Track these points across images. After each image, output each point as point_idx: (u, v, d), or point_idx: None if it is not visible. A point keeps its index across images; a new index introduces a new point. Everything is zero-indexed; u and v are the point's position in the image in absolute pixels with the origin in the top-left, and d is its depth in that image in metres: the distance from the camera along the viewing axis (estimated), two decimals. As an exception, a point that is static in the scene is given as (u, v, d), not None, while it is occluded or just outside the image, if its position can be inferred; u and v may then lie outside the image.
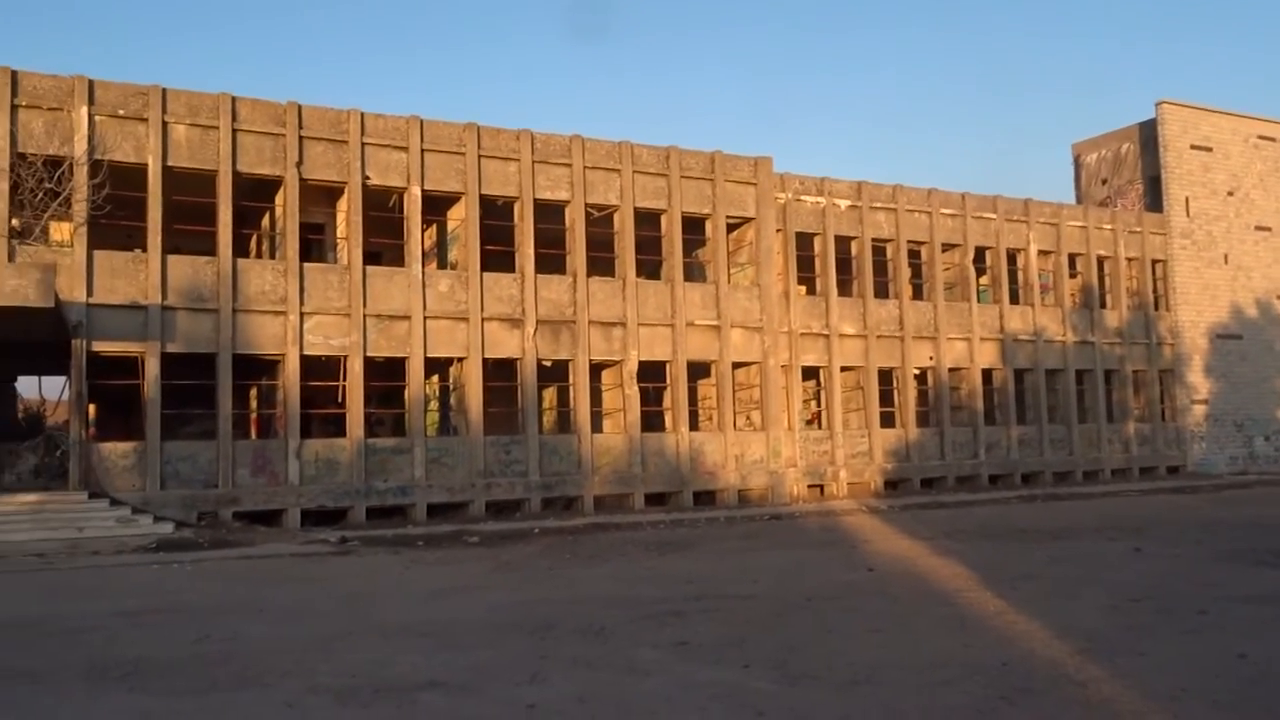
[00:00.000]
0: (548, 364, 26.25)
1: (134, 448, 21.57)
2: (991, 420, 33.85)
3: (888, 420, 31.79)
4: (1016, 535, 19.10)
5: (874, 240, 31.95)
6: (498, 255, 25.61)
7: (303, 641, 9.55)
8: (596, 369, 27.30)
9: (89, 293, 21.22)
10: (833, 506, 26.83)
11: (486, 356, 24.99)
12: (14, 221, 20.94)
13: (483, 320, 24.93)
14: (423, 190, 24.63)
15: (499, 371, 25.60)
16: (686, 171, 27.90)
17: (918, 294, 33.22)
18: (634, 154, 27.18)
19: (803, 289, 31.18)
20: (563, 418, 27.69)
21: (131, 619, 11.20)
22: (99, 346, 21.33)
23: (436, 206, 25.58)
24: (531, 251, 25.63)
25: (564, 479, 25.51)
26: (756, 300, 28.64)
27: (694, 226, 28.44)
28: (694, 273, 28.85)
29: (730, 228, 29.03)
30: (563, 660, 8.40)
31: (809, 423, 31.95)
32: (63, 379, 24.06)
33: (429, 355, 24.38)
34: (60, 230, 21.83)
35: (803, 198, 30.66)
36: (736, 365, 28.62)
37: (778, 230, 29.74)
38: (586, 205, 26.53)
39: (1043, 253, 35.67)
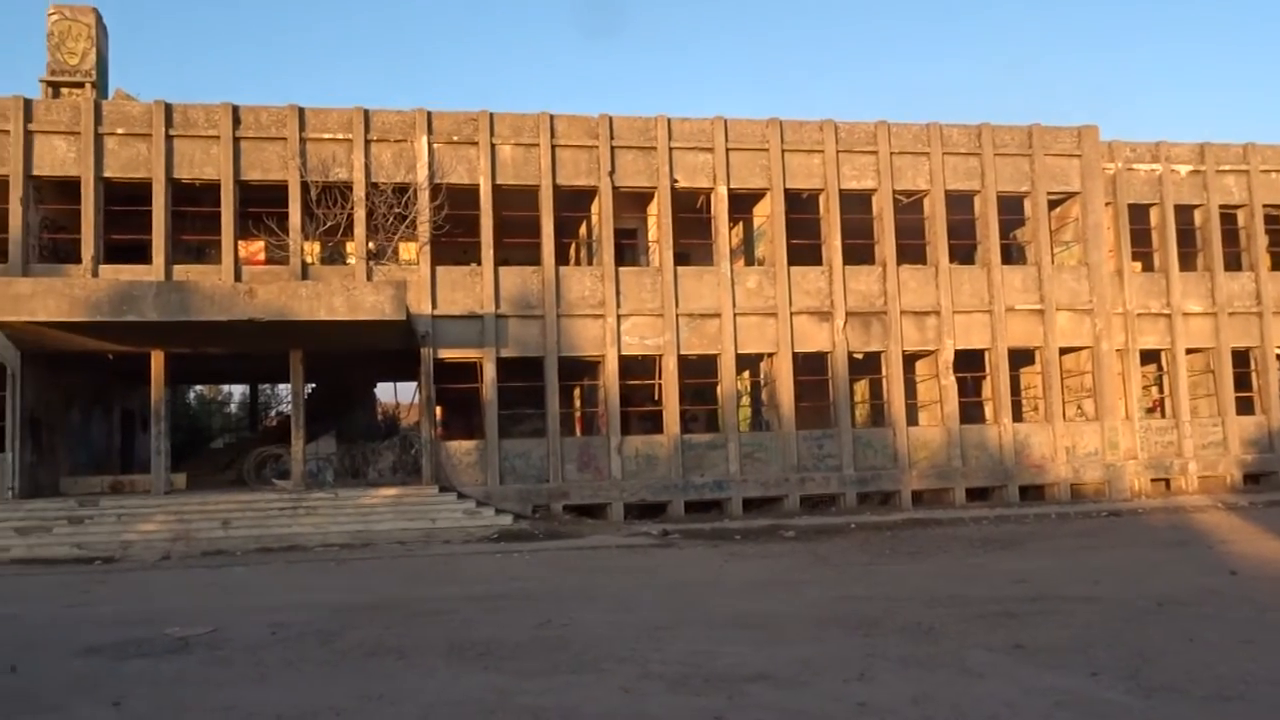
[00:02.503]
0: (859, 356, 25.82)
1: (475, 445, 23.47)
2: (1378, 404, 29.46)
3: (1245, 406, 28.50)
4: None
5: (1221, 207, 28.74)
6: (804, 249, 25.50)
7: (633, 629, 9.96)
8: (910, 360, 26.52)
9: (433, 305, 23.35)
10: (1181, 502, 24.46)
11: (796, 351, 24.97)
12: (370, 244, 23.43)
13: (791, 315, 24.94)
14: (728, 189, 25.00)
15: (809, 365, 25.47)
16: (1001, 149, 26.45)
17: (1277, 264, 29.55)
18: (943, 135, 26.14)
19: (1137, 265, 28.62)
20: (876, 411, 27.13)
21: (481, 603, 12.17)
22: (443, 354, 23.42)
23: (742, 204, 25.87)
24: (838, 243, 25.32)
25: (879, 473, 24.98)
26: (1084, 280, 26.64)
27: (1010, 206, 26.91)
28: (1012, 255, 27.31)
29: (1052, 204, 27.19)
30: (891, 659, 8.21)
31: (1150, 411, 29.28)
32: (413, 384, 26.51)
33: (739, 351, 24.72)
34: (407, 250, 24.14)
35: (1135, 166, 28.14)
36: (1064, 351, 26.77)
37: (1106, 204, 27.51)
38: (894, 192, 25.83)
39: None
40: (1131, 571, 13.70)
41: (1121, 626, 9.45)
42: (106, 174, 22.74)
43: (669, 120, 24.80)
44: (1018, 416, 26.79)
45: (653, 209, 25.20)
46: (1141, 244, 28.39)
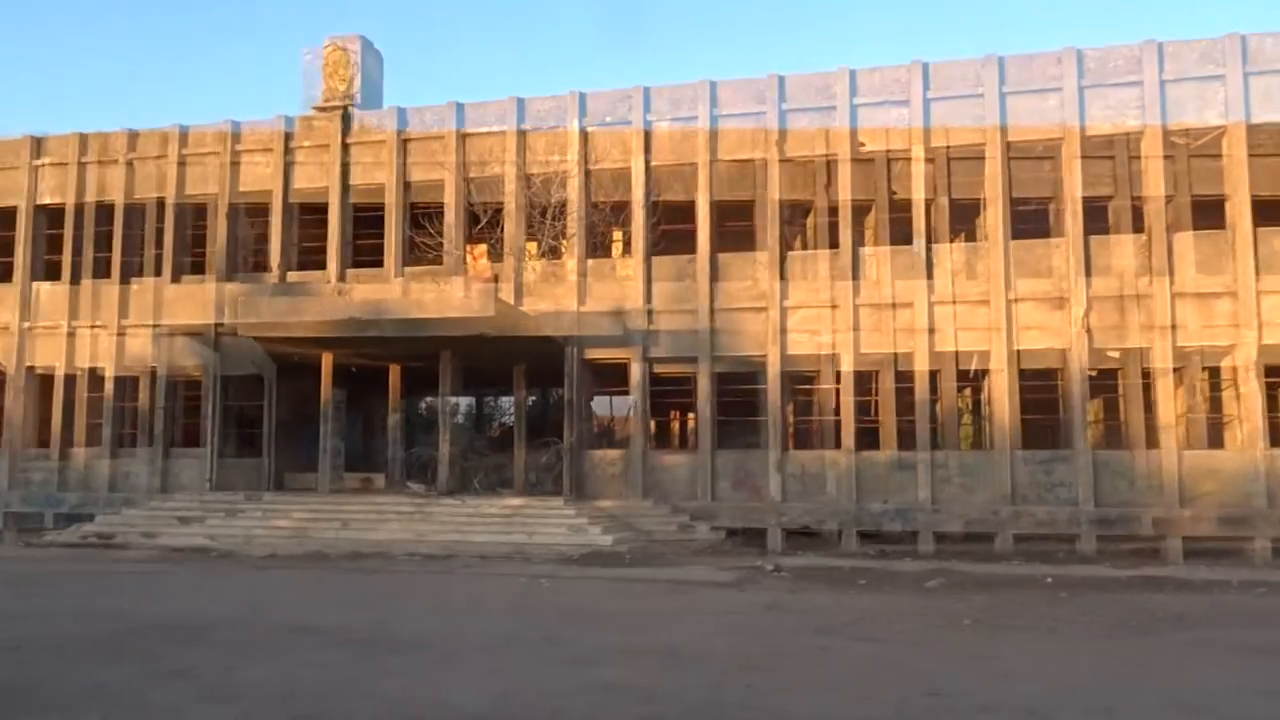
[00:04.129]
0: (1112, 354, 19.56)
1: (621, 455, 21.25)
2: None
3: None
4: None
5: None
6: (1031, 215, 19.92)
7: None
8: (1186, 359, 19.53)
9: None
10: None
11: (1016, 348, 19.48)
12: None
13: (1010, 303, 19.54)
14: (927, 148, 20.23)
15: (1034, 367, 19.78)
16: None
17: None
18: (1246, 48, 18.98)
19: None
20: (1131, 427, 19.99)
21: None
22: (590, 354, 21.57)
23: (947, 166, 20.78)
24: (1079, 206, 19.36)
25: (1131, 510, 18.62)
26: None
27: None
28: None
29: None
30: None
31: None
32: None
33: (936, 349, 19.85)
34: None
35: None
36: None
37: None
38: (1166, 132, 19.20)
39: None
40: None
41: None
42: (353, 200, 23.85)
43: (851, 71, 20.67)
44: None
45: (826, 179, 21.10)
46: None
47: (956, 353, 20.07)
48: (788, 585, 15.30)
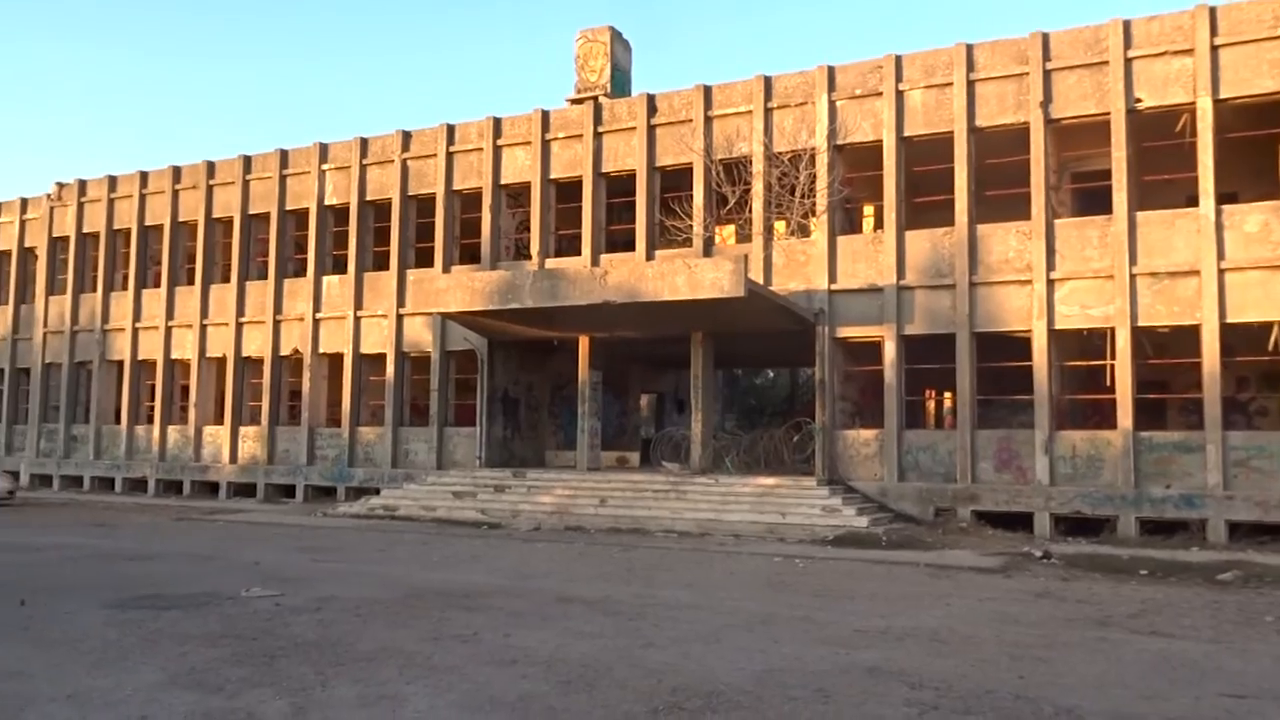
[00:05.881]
0: None
1: (875, 435, 20.73)
2: None
3: None
4: None
5: None
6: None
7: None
8: None
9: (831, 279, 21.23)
10: None
11: (1325, 317, 17.45)
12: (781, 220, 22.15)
13: (1317, 265, 17.49)
14: (1215, 100, 18.38)
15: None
16: None
17: None
18: None
19: None
20: None
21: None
22: (841, 332, 21.16)
23: (1243, 117, 18.79)
24: (1406, 154, 17.06)
25: None
26: None
27: None
28: None
29: None
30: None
31: None
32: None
33: (1227, 320, 18.04)
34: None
35: None
36: None
37: None
38: None
39: None
40: None
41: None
42: (605, 186, 24.62)
43: (1125, 23, 19.08)
44: None
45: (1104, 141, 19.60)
46: None
47: (1251, 324, 18.20)
48: (1059, 573, 14.51)
